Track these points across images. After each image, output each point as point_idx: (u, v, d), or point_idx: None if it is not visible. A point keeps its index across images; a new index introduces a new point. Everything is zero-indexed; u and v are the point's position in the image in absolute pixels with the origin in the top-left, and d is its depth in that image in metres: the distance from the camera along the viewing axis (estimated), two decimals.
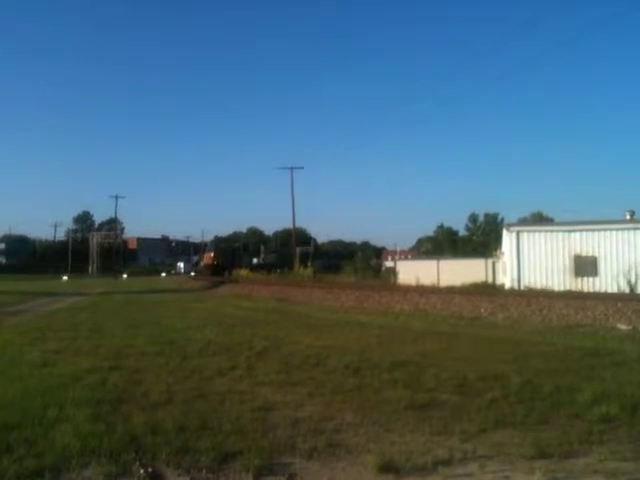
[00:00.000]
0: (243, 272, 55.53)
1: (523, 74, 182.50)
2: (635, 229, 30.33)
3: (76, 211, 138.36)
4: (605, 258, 30.11)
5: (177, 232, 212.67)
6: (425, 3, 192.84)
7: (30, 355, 11.50)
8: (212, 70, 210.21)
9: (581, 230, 31.09)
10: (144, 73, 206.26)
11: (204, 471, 5.13)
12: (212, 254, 69.97)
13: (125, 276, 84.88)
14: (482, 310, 20.48)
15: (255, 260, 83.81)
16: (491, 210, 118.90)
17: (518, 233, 31.83)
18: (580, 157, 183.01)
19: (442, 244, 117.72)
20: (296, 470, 5.21)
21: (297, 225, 79.36)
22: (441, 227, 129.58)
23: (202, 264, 75.24)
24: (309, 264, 60.46)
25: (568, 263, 30.68)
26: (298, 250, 75.40)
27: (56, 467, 5.18)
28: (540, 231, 32.41)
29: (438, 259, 47.02)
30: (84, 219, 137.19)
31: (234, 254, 74.69)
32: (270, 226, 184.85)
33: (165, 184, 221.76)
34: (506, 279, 33.92)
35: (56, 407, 7.02)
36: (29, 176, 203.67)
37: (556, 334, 15.18)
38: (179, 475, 5.07)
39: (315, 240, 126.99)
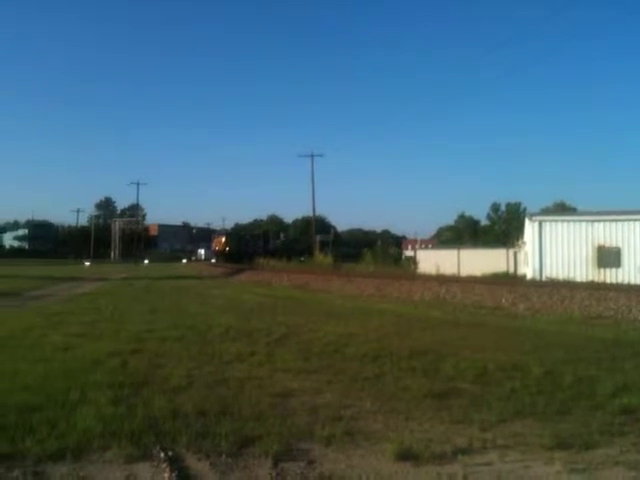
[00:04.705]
0: (260, 260, 55.53)
1: (545, 64, 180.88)
2: None
3: (98, 197, 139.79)
4: (629, 249, 29.76)
5: (198, 219, 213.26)
6: None
7: (52, 338, 11.61)
8: (232, 57, 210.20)
9: (604, 220, 30.73)
10: (165, 61, 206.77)
11: (224, 455, 5.15)
12: (223, 239, 69.23)
13: (146, 262, 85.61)
14: (503, 300, 20.35)
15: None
16: (513, 199, 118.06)
17: (540, 223, 31.55)
18: (604, 147, 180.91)
19: (463, 233, 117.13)
20: (315, 456, 5.22)
21: (317, 213, 79.47)
22: (462, 216, 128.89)
23: (213, 250, 74.41)
24: (329, 252, 60.46)
25: (591, 254, 30.36)
26: (318, 238, 75.31)
27: (77, 449, 5.23)
28: (563, 221, 32.09)
29: (459, 248, 46.89)
30: (106, 205, 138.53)
31: (244, 240, 74.27)
32: (290, 214, 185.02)
33: (186, 171, 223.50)
34: (528, 269, 33.68)
35: (78, 390, 7.08)
36: (52, 163, 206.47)
37: (577, 325, 15.06)
38: (199, 459, 5.09)
39: (335, 228, 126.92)
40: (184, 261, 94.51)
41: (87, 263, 74.44)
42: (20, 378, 7.81)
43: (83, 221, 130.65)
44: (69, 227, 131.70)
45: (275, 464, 4.99)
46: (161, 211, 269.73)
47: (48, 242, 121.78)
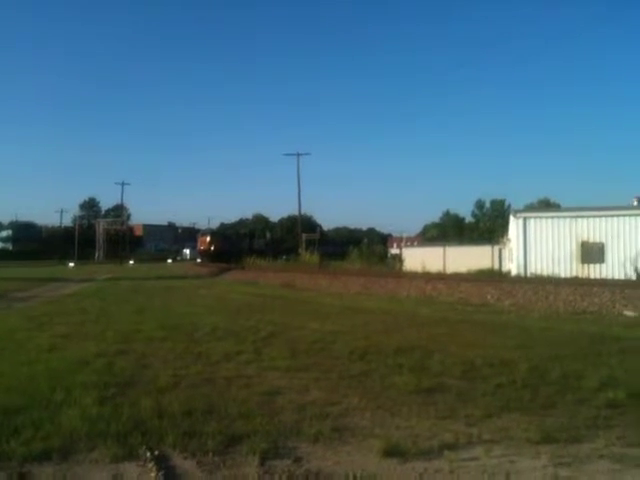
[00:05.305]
0: (246, 259, 55.29)
1: (529, 63, 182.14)
2: None
3: (82, 197, 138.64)
4: (612, 244, 30.00)
5: (183, 219, 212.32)
6: None
7: (38, 340, 11.54)
8: (218, 58, 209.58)
9: (588, 216, 30.96)
10: (149, 63, 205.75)
11: (210, 454, 5.14)
12: (208, 238, 68.52)
13: (131, 262, 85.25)
14: (488, 296, 20.45)
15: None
16: (498, 196, 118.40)
17: (525, 219, 31.73)
18: (587, 143, 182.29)
19: (448, 231, 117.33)
20: (302, 454, 5.22)
21: (303, 212, 79.41)
22: (447, 214, 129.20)
23: (198, 249, 73.48)
24: (315, 251, 60.38)
25: (575, 249, 30.58)
26: (304, 237, 75.27)
27: (63, 450, 5.21)
28: (547, 217, 32.30)
29: (444, 246, 46.90)
30: (90, 206, 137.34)
31: (230, 239, 73.88)
32: (276, 213, 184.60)
33: (171, 171, 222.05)
34: (512, 266, 33.88)
35: (63, 391, 7.04)
36: (35, 163, 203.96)
37: (562, 320, 15.17)
38: (185, 458, 5.08)
39: (321, 227, 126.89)
40: (169, 261, 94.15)
41: (71, 264, 73.81)
42: (5, 380, 7.76)
43: (67, 222, 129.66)
44: (53, 228, 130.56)
45: (262, 462, 4.99)
46: (146, 211, 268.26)
47: (32, 243, 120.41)
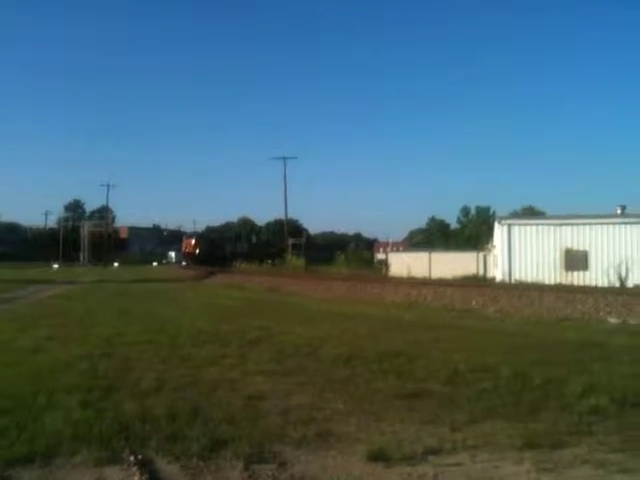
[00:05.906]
0: (232, 262, 55.22)
1: (514, 69, 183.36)
2: (626, 223, 30.54)
3: (67, 199, 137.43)
4: (596, 252, 30.28)
5: (169, 221, 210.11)
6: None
7: (21, 342, 11.45)
8: (207, 60, 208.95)
9: (572, 224, 31.24)
10: (136, 61, 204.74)
11: (194, 459, 5.11)
12: (193, 241, 68.46)
13: (116, 265, 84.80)
14: (473, 302, 20.55)
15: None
16: (483, 203, 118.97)
17: (509, 226, 31.96)
18: (572, 152, 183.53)
19: (434, 237, 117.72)
20: (286, 458, 5.20)
21: (289, 216, 79.26)
22: (433, 220, 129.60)
23: (183, 252, 73.36)
24: (301, 255, 60.47)
25: (559, 257, 30.83)
26: (290, 241, 75.24)
27: (46, 453, 5.15)
28: (531, 224, 32.56)
29: (430, 251, 47.04)
30: (75, 207, 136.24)
31: (215, 242, 73.87)
32: (262, 217, 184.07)
33: (157, 173, 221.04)
34: (497, 272, 34.06)
35: (47, 393, 6.99)
36: (21, 163, 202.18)
37: (546, 327, 15.25)
38: (169, 462, 5.05)
39: (307, 231, 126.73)
40: (155, 264, 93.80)
41: (55, 266, 73.36)
42: None
43: (52, 223, 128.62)
44: (37, 229, 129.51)
45: (246, 467, 4.97)
46: (132, 213, 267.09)
47: (16, 244, 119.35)
